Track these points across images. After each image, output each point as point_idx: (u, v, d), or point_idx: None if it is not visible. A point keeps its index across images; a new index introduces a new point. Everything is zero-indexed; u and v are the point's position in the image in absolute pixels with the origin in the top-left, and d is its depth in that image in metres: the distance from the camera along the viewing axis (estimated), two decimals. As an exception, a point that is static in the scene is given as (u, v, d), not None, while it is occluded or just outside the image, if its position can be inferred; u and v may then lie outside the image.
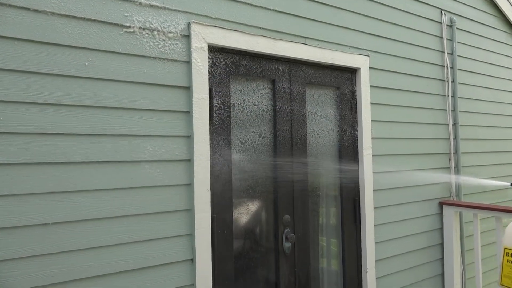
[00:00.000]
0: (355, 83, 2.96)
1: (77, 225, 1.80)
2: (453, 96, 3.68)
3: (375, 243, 2.97)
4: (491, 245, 3.79)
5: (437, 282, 3.43)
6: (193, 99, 2.12)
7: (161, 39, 2.06)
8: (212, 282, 2.19)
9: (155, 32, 2.05)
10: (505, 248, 1.74)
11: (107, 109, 1.89)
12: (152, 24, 2.04)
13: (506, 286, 1.70)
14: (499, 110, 4.26)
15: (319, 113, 2.78)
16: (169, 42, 2.09)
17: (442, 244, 3.47)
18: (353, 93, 2.95)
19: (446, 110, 3.61)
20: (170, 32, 2.09)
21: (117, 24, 1.93)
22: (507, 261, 1.71)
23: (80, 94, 1.82)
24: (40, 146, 1.73)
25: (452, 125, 3.66)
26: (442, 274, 3.46)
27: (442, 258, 3.47)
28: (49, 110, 1.75)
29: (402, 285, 3.16)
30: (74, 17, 1.82)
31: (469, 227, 3.68)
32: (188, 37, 2.15)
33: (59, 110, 1.77)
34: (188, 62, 2.14)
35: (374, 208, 2.97)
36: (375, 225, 2.97)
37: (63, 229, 1.77)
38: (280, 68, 2.57)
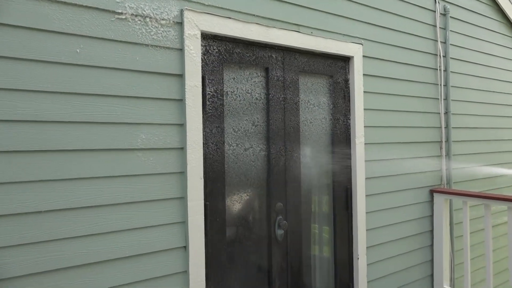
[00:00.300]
0: (348, 72, 2.96)
1: (70, 213, 1.80)
2: (445, 85, 3.71)
3: (367, 230, 3.01)
4: (480, 232, 3.86)
5: (427, 268, 3.50)
6: (186, 87, 2.12)
7: (153, 26, 2.04)
8: (205, 268, 2.22)
9: (148, 19, 2.03)
10: None
11: (100, 97, 1.88)
12: (145, 11, 2.01)
13: None
14: (490, 99, 4.29)
15: (312, 101, 2.78)
16: (162, 29, 2.07)
17: (432, 231, 3.52)
18: (346, 81, 2.95)
19: (438, 99, 3.64)
20: (163, 19, 2.07)
21: (108, 11, 1.91)
22: None
23: (72, 81, 1.81)
24: (32, 134, 1.72)
25: (444, 113, 3.69)
26: (432, 260, 3.53)
27: (432, 245, 3.53)
28: (41, 97, 1.73)
29: (392, 271, 3.21)
30: (65, 3, 1.79)
31: (458, 215, 3.74)
32: (180, 24, 2.13)
33: (51, 97, 1.76)
34: (181, 50, 2.13)
35: (366, 195, 3.00)
36: (366, 213, 3.00)
37: (56, 217, 1.77)
38: (274, 56, 2.56)
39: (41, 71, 1.73)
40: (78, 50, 1.82)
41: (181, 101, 2.13)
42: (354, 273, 2.96)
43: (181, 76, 2.13)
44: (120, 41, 1.94)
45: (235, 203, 2.40)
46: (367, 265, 3.01)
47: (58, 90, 1.77)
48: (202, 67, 2.23)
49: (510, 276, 3.04)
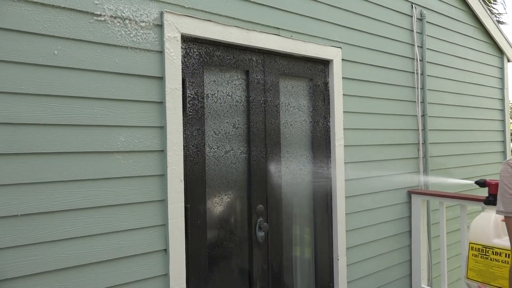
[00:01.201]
0: (328, 75, 3.00)
1: (47, 216, 1.77)
2: (422, 88, 3.80)
3: (346, 231, 3.05)
4: (456, 232, 3.95)
5: (405, 268, 3.56)
6: (166, 90, 2.11)
7: (133, 28, 2.03)
8: (186, 271, 2.21)
9: (127, 21, 2.02)
10: (470, 243, 1.84)
11: (78, 99, 1.86)
12: (124, 13, 2.01)
13: (471, 279, 1.81)
14: (465, 102, 4.42)
15: (293, 104, 2.81)
16: (142, 31, 2.06)
17: (410, 231, 3.59)
18: (326, 84, 2.99)
19: (416, 101, 3.72)
20: (143, 21, 2.07)
21: (87, 12, 1.89)
22: (472, 255, 1.82)
23: (49, 83, 1.78)
24: (7, 136, 1.69)
25: (421, 116, 3.77)
26: (410, 260, 3.60)
27: (410, 245, 3.60)
28: (16, 99, 1.70)
29: (372, 271, 3.26)
30: (42, 4, 1.77)
31: (435, 215, 3.82)
32: (160, 26, 2.13)
33: (28, 99, 1.73)
34: (161, 52, 2.12)
35: (346, 197, 3.05)
36: (346, 214, 3.05)
37: (33, 221, 1.74)
38: (254, 59, 2.58)
39: (17, 73, 1.71)
40: (55, 52, 1.80)
41: (161, 103, 2.12)
42: (334, 274, 2.99)
43: (161, 79, 2.12)
44: (99, 43, 1.92)
45: (216, 205, 2.40)
46: (347, 265, 3.05)
47: (35, 92, 1.75)
48: (182, 69, 2.23)
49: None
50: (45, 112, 1.77)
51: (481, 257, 1.76)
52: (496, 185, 1.93)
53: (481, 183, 2.04)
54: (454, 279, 4.04)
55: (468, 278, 1.80)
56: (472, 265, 1.80)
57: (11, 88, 1.69)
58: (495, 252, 1.70)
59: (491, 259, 1.72)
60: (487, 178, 4.63)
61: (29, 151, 1.73)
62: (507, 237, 1.65)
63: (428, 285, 3.64)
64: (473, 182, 2.09)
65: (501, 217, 1.68)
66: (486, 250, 1.74)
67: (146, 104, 2.07)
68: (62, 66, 1.81)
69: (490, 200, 1.92)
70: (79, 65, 1.86)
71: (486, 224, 1.81)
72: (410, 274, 3.60)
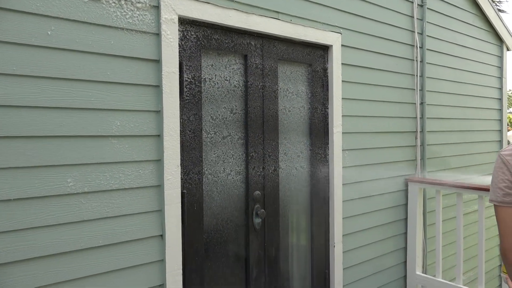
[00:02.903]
0: (327, 61, 2.96)
1: (41, 201, 1.74)
2: (421, 75, 3.76)
3: (343, 218, 3.04)
4: (452, 220, 3.96)
5: (401, 255, 3.58)
6: (162, 73, 2.06)
7: (129, 9, 1.98)
8: (182, 257, 2.19)
9: (123, 2, 1.96)
10: None
11: (72, 81, 1.81)
12: (119, -7, 1.94)
13: (504, 272, 1.79)
14: (464, 90, 4.39)
15: (291, 90, 2.77)
16: (138, 12, 2.01)
17: (406, 219, 3.60)
18: (325, 70, 2.95)
19: (414, 89, 3.69)
20: (139, 2, 2.01)
21: (81, -9, 1.83)
22: None
23: (42, 64, 1.73)
24: None
25: (420, 104, 3.75)
26: (405, 248, 3.61)
27: (406, 233, 3.61)
28: (8, 80, 1.65)
29: (367, 258, 3.27)
30: (35, -18, 1.71)
31: (431, 203, 3.83)
32: (157, 8, 2.07)
33: (20, 81, 1.68)
34: (158, 34, 2.07)
35: (343, 184, 3.03)
36: (343, 201, 3.04)
37: (26, 206, 1.71)
38: (253, 43, 2.53)
39: (8, 53, 1.65)
40: (49, 32, 1.74)
41: (157, 87, 2.08)
42: (330, 261, 3.00)
43: (158, 62, 2.08)
44: (94, 24, 1.86)
45: (213, 191, 2.38)
46: (343, 252, 3.05)
47: (28, 73, 1.69)
48: (179, 52, 2.18)
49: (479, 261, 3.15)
50: (38, 95, 1.72)
51: None
52: None
53: None
54: (448, 266, 4.07)
55: (503, 272, 1.80)
56: None
57: (3, 69, 1.64)
58: None
59: None
60: (484, 167, 4.65)
61: (21, 134, 1.69)
62: None
63: (422, 272, 3.66)
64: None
65: None
66: None
67: (142, 88, 2.03)
68: (56, 47, 1.76)
69: None
70: (73, 46, 1.80)
71: None
72: (405, 261, 3.61)
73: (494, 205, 1.52)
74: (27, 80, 1.70)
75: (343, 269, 3.05)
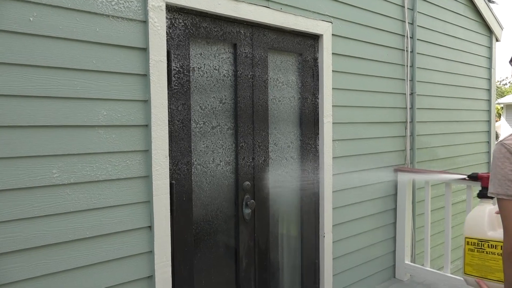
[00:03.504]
0: (318, 50, 2.93)
1: (26, 192, 1.70)
2: (412, 66, 3.76)
3: (333, 208, 3.04)
4: (440, 209, 4.00)
5: (390, 245, 3.61)
6: (150, 62, 2.02)
7: (114, -4, 1.92)
8: (171, 248, 2.18)
9: (108, -12, 1.90)
10: (465, 238, 1.81)
11: (56, 70, 1.76)
12: (105, -21, 1.89)
13: (469, 274, 1.79)
14: (453, 80, 4.40)
15: (281, 79, 2.75)
16: (124, -1, 1.95)
17: (395, 209, 3.62)
18: (315, 60, 2.93)
19: (405, 79, 3.69)
20: (125, -12, 1.95)
21: (65, -23, 1.77)
22: (468, 250, 1.78)
23: (25, 52, 1.68)
24: (-19, 108, 1.59)
25: (410, 94, 3.75)
26: (394, 237, 3.64)
27: (395, 222, 3.63)
28: (-11, 69, 1.60)
29: (357, 248, 3.29)
30: (16, -34, 1.65)
31: (420, 193, 3.85)
32: (144, -6, 2.02)
33: (2, 69, 1.63)
34: (145, 22, 2.02)
35: (333, 174, 3.03)
36: (333, 191, 3.04)
37: (11, 197, 1.67)
38: (242, 32, 2.49)
39: (-11, 40, 1.60)
40: (31, 19, 1.69)
41: (145, 76, 2.04)
42: (320, 251, 3.00)
43: (145, 50, 2.03)
44: (78, 10, 1.81)
45: (202, 182, 2.35)
46: (333, 242, 3.06)
47: (11, 61, 1.64)
48: (167, 41, 2.14)
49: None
50: (22, 83, 1.68)
51: (477, 251, 1.74)
52: (488, 177, 1.90)
53: (474, 177, 2.02)
54: (436, 255, 4.11)
55: (465, 274, 1.77)
56: (469, 260, 1.79)
57: (-17, 57, 1.59)
58: (491, 245, 1.68)
59: (486, 253, 1.69)
60: (472, 157, 4.69)
61: (5, 124, 1.64)
62: (502, 229, 1.62)
63: (411, 261, 3.70)
64: (465, 176, 2.05)
65: (495, 209, 1.65)
66: (481, 243, 1.71)
67: (129, 77, 1.98)
68: (39, 34, 1.71)
69: (484, 193, 1.90)
70: (57, 34, 1.75)
71: (481, 217, 1.76)
72: (394, 250, 3.64)
73: (501, 199, 1.34)
74: (11, 68, 1.65)
75: (333, 259, 3.07)
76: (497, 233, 1.69)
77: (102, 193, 1.91)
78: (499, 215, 1.60)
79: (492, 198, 1.85)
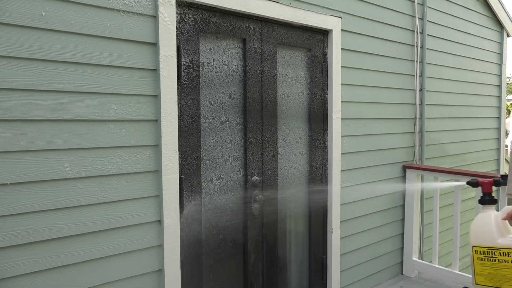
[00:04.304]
0: (327, 45, 2.92)
1: (38, 185, 1.72)
2: (421, 61, 3.73)
3: (341, 204, 3.04)
4: (449, 206, 3.98)
5: (397, 241, 3.60)
6: (160, 56, 2.03)
7: (125, -10, 1.93)
8: (180, 242, 2.19)
9: (119, -18, 1.91)
10: (473, 247, 1.71)
11: (68, 64, 1.77)
12: (116, -27, 1.89)
13: (481, 284, 1.70)
14: (463, 77, 4.36)
15: (290, 75, 2.74)
16: (134, -6, 1.96)
17: (403, 205, 3.61)
18: (325, 55, 2.92)
19: (414, 75, 3.66)
20: (135, -17, 1.96)
21: (76, -29, 1.78)
22: (477, 259, 1.67)
23: (37, 46, 1.69)
24: (-6, 102, 1.61)
25: (419, 90, 3.72)
26: (402, 234, 3.63)
27: (403, 219, 3.62)
28: (2, 63, 1.61)
29: (364, 244, 3.29)
30: (28, -39, 1.66)
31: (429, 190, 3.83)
32: (154, -11, 2.02)
33: (14, 63, 1.64)
34: (155, 17, 2.03)
35: (341, 170, 3.02)
36: (341, 187, 3.03)
37: (23, 190, 1.69)
38: (251, 27, 2.49)
39: (3, 35, 1.61)
40: (43, 13, 1.70)
41: (155, 71, 2.04)
42: (328, 246, 3.01)
43: (155, 45, 2.04)
44: (89, 5, 1.82)
45: (211, 177, 2.36)
46: (341, 238, 3.06)
47: (23, 55, 1.66)
48: (177, 36, 2.14)
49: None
50: (34, 78, 1.69)
51: (487, 260, 1.64)
52: (489, 183, 1.82)
53: (473, 183, 1.90)
54: (444, 252, 4.10)
55: (477, 284, 1.69)
56: (479, 269, 1.69)
57: (-3, 51, 1.60)
58: (503, 252, 1.59)
59: (499, 261, 1.60)
60: (482, 154, 4.65)
61: (17, 118, 1.66)
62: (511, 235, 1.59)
63: (419, 258, 3.69)
64: (464, 183, 1.94)
65: (500, 215, 1.62)
66: (492, 252, 1.62)
67: (140, 72, 1.99)
68: (51, 28, 1.72)
69: (486, 200, 1.80)
70: (68, 28, 1.76)
71: (487, 224, 1.67)
72: (402, 247, 3.63)
73: None
74: (23, 62, 1.66)
75: (341, 254, 3.07)
76: (508, 240, 1.62)
77: (112, 187, 1.93)
78: (505, 221, 1.57)
79: (494, 203, 1.78)
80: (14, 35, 1.64)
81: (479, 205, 1.80)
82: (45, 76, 1.72)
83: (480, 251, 1.66)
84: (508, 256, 1.57)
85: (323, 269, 3.00)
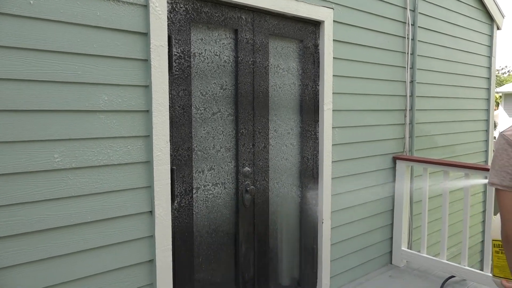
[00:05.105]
0: (319, 37, 2.92)
1: (28, 176, 1.71)
2: (412, 53, 3.74)
3: (332, 195, 3.07)
4: (438, 197, 4.03)
5: (387, 231, 3.64)
6: (151, 46, 2.01)
7: (115, -21, 1.90)
8: (172, 232, 2.20)
9: (109, -29, 1.88)
10: (492, 240, 1.74)
11: (56, 54, 1.75)
12: (105, -39, 1.87)
13: (497, 276, 1.72)
14: (453, 69, 4.40)
15: (282, 66, 2.74)
16: (125, -18, 1.93)
17: (393, 196, 3.64)
18: (316, 46, 2.91)
19: (405, 67, 3.68)
20: (126, -28, 1.93)
21: (65, -41, 1.75)
22: (495, 252, 1.67)
23: (25, 35, 1.67)
24: (-18, 92, 1.59)
25: (410, 82, 3.74)
26: (392, 224, 3.67)
27: (393, 209, 3.66)
28: (-10, 52, 1.59)
29: (355, 234, 3.32)
30: None
31: (418, 181, 3.88)
32: (145, -22, 2.00)
33: (1, 52, 1.62)
34: (146, 6, 2.01)
35: (332, 162, 3.04)
36: (332, 178, 3.06)
37: (14, 181, 1.67)
38: (243, 17, 2.48)
39: (-10, 23, 1.58)
40: (31, 1, 1.67)
41: (146, 61, 2.03)
42: (318, 237, 3.03)
43: (146, 35, 2.02)
44: (79, -6, 1.79)
45: (202, 167, 2.36)
46: (331, 228, 3.09)
47: (11, 44, 1.63)
48: (168, 25, 2.12)
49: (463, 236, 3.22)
50: (22, 67, 1.67)
51: (501, 253, 1.68)
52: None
53: None
54: (433, 242, 4.16)
55: (494, 276, 1.72)
56: (496, 262, 1.71)
57: (-16, 40, 1.58)
58: None
59: None
60: (471, 146, 4.70)
61: (6, 108, 1.64)
62: None
63: (408, 248, 3.74)
64: (479, 181, 1.91)
65: None
66: None
67: (130, 62, 1.98)
68: (39, 17, 1.69)
69: None
70: (57, 17, 1.74)
71: None
72: (391, 237, 3.68)
73: (497, 189, 1.39)
74: (11, 51, 1.64)
75: (331, 244, 3.10)
76: None
77: (103, 178, 1.92)
78: None
79: None
80: (1, 24, 1.61)
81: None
82: (34, 65, 1.70)
83: (497, 245, 1.68)
84: None
85: (314, 258, 3.04)
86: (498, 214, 1.76)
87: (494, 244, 1.68)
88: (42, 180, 1.75)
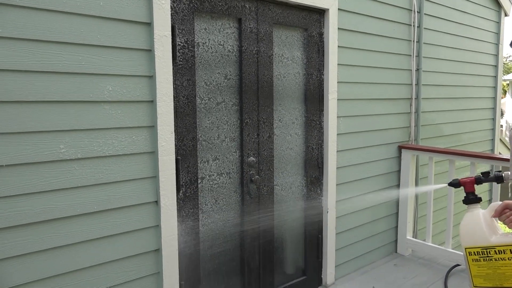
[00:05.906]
0: (323, 25, 2.89)
1: (34, 167, 1.72)
2: (418, 41, 3.70)
3: (337, 184, 3.07)
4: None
5: (392, 220, 3.64)
6: (154, 36, 2.00)
7: (118, -32, 1.89)
8: (177, 222, 2.21)
9: (111, -40, 1.87)
10: (465, 249, 1.58)
11: (60, 44, 1.75)
12: (108, -49, 1.85)
13: (480, 286, 1.60)
14: (460, 56, 4.35)
15: (286, 55, 2.72)
16: (127, -28, 1.92)
17: (398, 185, 3.64)
18: (321, 35, 2.89)
19: (411, 55, 3.64)
20: (128, -39, 1.92)
21: (67, -51, 1.74)
22: (472, 261, 1.57)
23: (30, 26, 1.66)
24: (-13, 84, 1.59)
25: (415, 70, 3.71)
26: (397, 213, 3.67)
27: (398, 198, 3.65)
28: (-6, 43, 1.59)
29: (360, 223, 3.33)
30: None
31: (424, 170, 3.87)
32: (148, -33, 1.98)
33: (6, 43, 1.62)
34: (149, -4, 1.99)
35: (337, 151, 3.04)
36: (337, 168, 3.05)
37: (19, 172, 1.69)
38: (247, 6, 2.45)
39: (-7, 14, 1.58)
40: (34, -8, 1.67)
41: (150, 51, 2.02)
42: (323, 226, 3.04)
43: (149, 25, 2.01)
44: (82, -16, 1.78)
45: (207, 158, 2.37)
46: (336, 218, 3.10)
47: (15, 35, 1.63)
48: (171, 15, 2.11)
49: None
50: (27, 58, 1.67)
51: (483, 261, 1.53)
52: (471, 182, 1.75)
53: (455, 184, 1.78)
54: (438, 231, 4.16)
55: (475, 287, 1.60)
56: (476, 271, 1.57)
57: (-12, 31, 1.58)
58: (498, 251, 1.51)
59: (495, 260, 1.51)
60: (477, 134, 4.66)
61: (12, 99, 1.65)
62: (503, 231, 1.54)
63: (413, 237, 3.75)
64: (446, 184, 1.84)
65: (488, 213, 1.57)
66: (487, 251, 1.53)
67: (134, 52, 1.97)
68: (42, 8, 1.69)
69: (471, 199, 1.70)
70: (61, 7, 1.73)
71: (477, 224, 1.58)
72: (397, 226, 3.69)
73: None
74: (16, 42, 1.64)
75: (336, 234, 3.11)
76: (500, 237, 1.53)
77: (108, 168, 1.93)
78: (493, 219, 1.53)
79: (479, 202, 1.71)
80: (6, 14, 1.61)
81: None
82: (38, 56, 1.70)
83: (474, 252, 1.56)
84: (504, 253, 1.49)
85: (319, 247, 3.05)
86: (465, 221, 1.64)
87: (470, 252, 1.56)
88: (47, 171, 1.76)
